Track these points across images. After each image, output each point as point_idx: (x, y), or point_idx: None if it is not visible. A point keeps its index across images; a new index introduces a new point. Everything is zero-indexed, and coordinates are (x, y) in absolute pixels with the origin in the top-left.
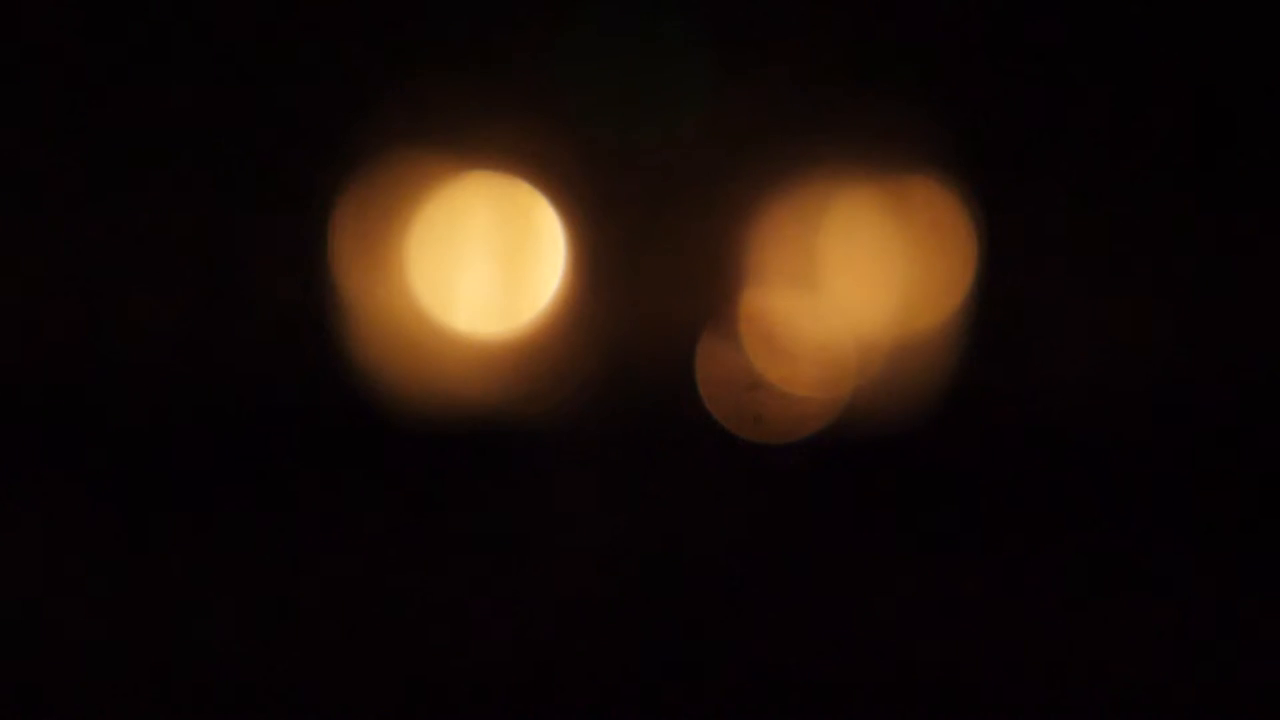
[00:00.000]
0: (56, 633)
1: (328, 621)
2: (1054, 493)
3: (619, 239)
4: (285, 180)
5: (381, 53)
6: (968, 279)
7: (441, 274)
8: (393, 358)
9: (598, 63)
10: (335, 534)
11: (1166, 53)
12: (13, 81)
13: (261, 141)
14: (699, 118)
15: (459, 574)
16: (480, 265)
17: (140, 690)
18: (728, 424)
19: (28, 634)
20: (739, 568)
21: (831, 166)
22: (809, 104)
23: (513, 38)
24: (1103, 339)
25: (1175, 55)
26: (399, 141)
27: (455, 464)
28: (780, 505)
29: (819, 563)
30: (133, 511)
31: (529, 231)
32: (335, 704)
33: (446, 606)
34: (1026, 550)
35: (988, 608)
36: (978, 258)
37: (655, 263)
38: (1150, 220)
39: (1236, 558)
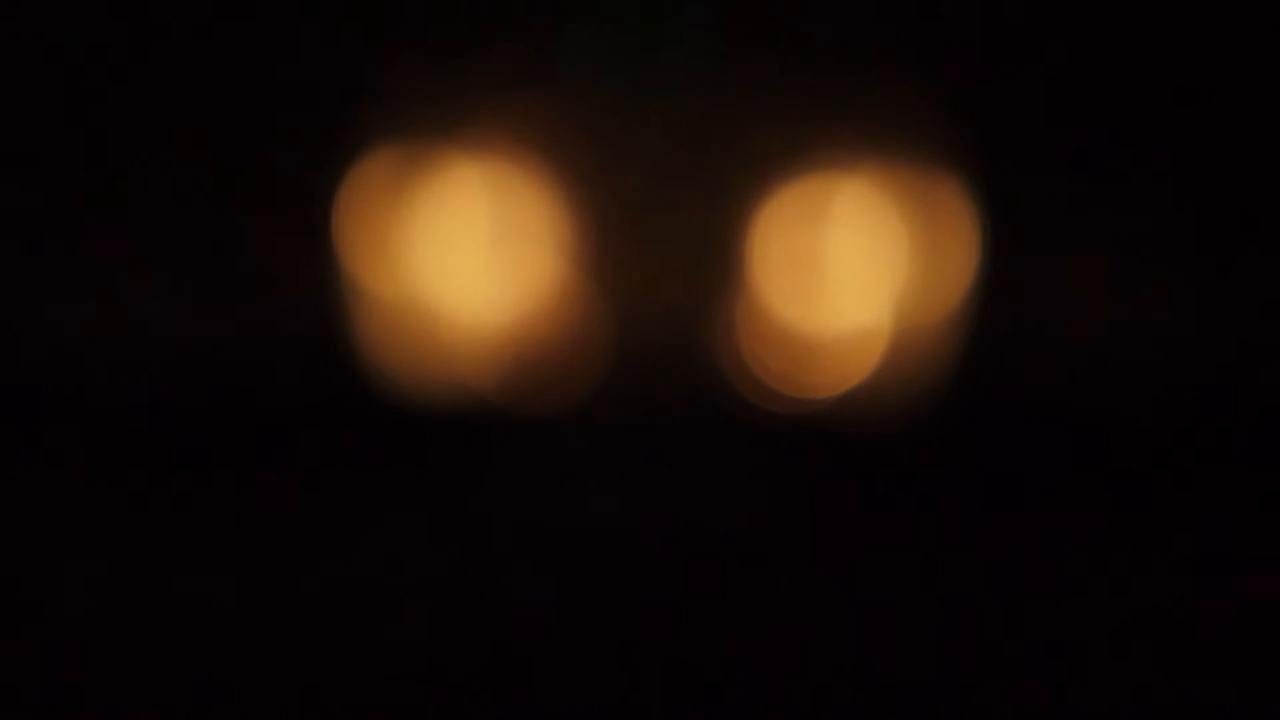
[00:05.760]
0: (62, 625)
1: (330, 610)
2: (1055, 486)
3: (622, 226)
4: (288, 168)
5: (382, 38)
6: (970, 271)
7: (444, 261)
8: (395, 345)
9: (602, 49)
10: (337, 523)
11: (1169, 48)
12: (12, 78)
13: (263, 128)
14: (703, 105)
15: (460, 563)
16: (483, 252)
17: (148, 679)
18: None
19: (32, 628)
20: (742, 557)
21: (835, 156)
22: (814, 92)
23: (516, 22)
24: (1104, 333)
25: (1177, 51)
26: (402, 127)
27: (458, 452)
28: (781, 496)
29: (821, 555)
30: (133, 500)
31: (532, 218)
32: (335, 693)
33: (447, 597)
34: (1026, 546)
35: (987, 604)
36: (980, 250)
37: (658, 250)
38: (1152, 214)
39: (1237, 560)
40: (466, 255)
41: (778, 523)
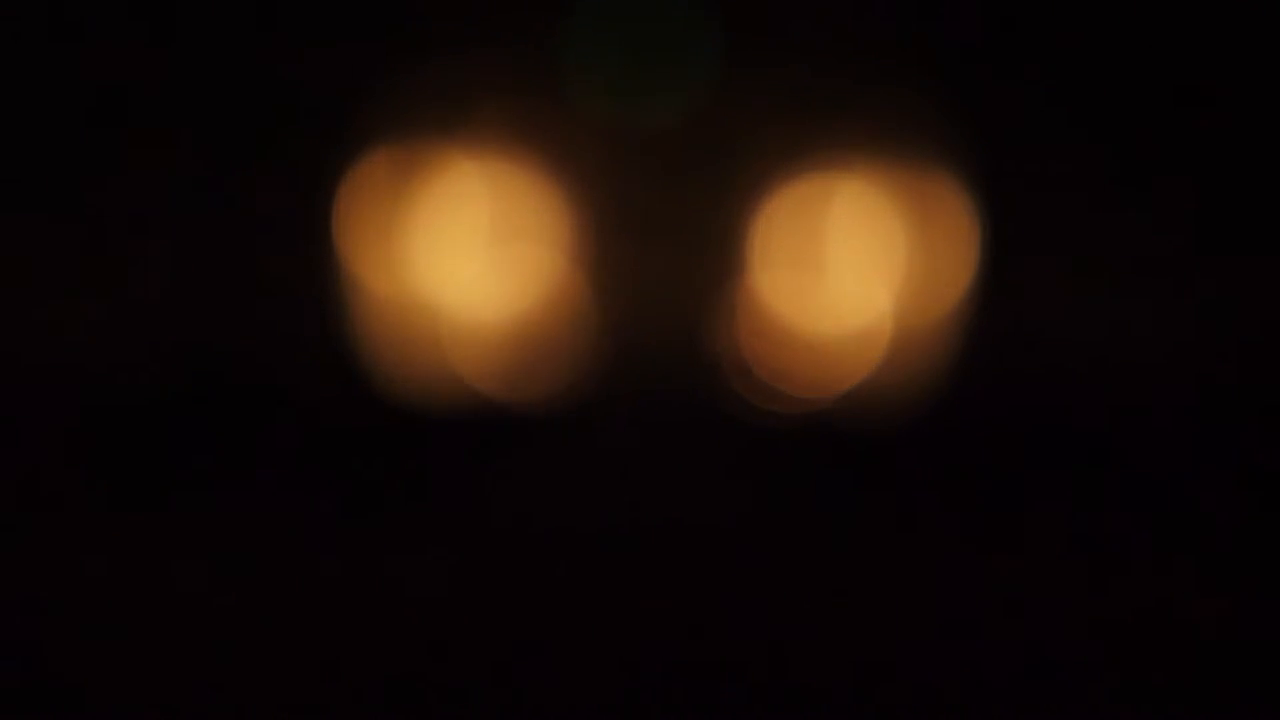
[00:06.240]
0: (61, 625)
1: (329, 609)
2: (1054, 485)
3: (622, 226)
4: (288, 167)
5: (382, 38)
6: (970, 271)
7: (444, 260)
8: (396, 344)
9: (603, 47)
10: (337, 522)
11: (1168, 49)
12: (14, 77)
13: (263, 128)
14: (704, 103)
15: (459, 561)
16: (483, 251)
17: (146, 680)
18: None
19: (28, 626)
20: (742, 557)
21: (835, 156)
22: (814, 91)
23: (516, 22)
24: (1104, 333)
25: (1177, 51)
26: (402, 126)
27: (458, 450)
28: (781, 496)
29: (820, 554)
30: (131, 499)
31: (532, 217)
32: (335, 693)
33: (446, 596)
34: (1026, 546)
35: (987, 604)
36: (980, 250)
37: (658, 250)
38: (1152, 215)
39: (1237, 559)
40: (467, 254)
41: (777, 522)
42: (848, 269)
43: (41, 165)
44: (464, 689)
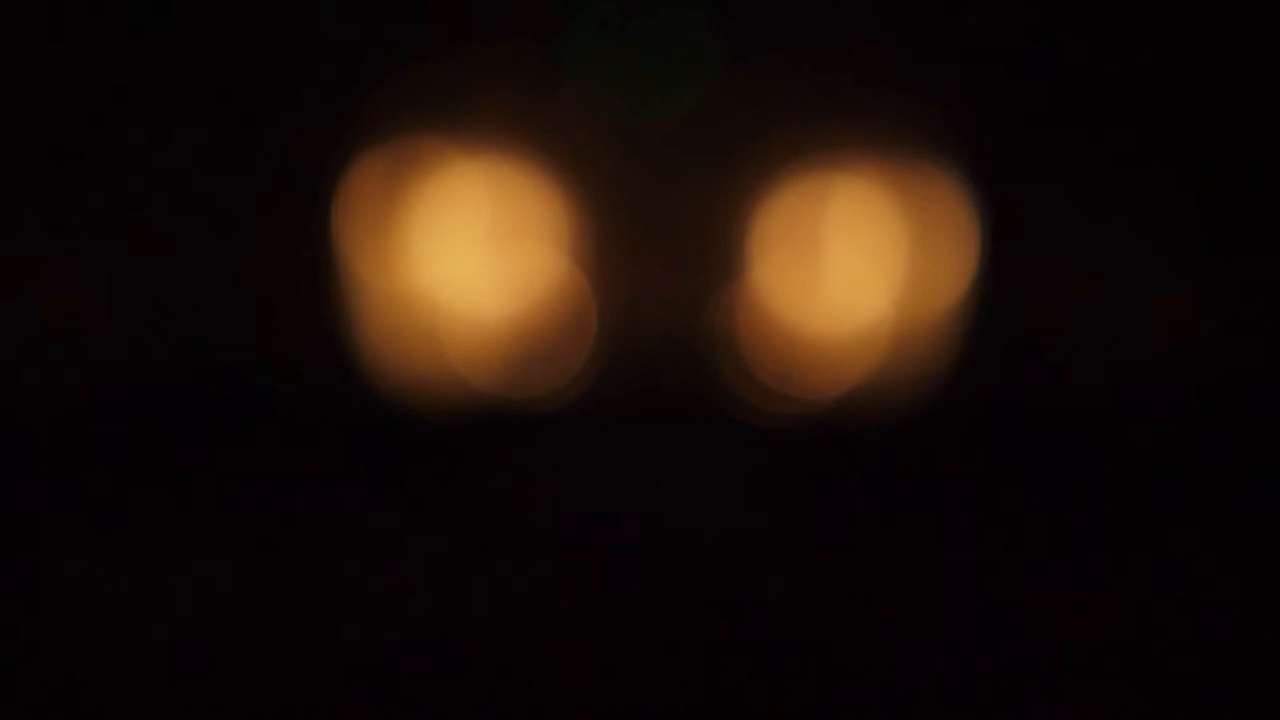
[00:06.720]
0: (56, 623)
1: (328, 609)
2: (1054, 485)
3: (622, 225)
4: (288, 166)
5: (384, 35)
6: (969, 271)
7: (444, 258)
8: (395, 343)
9: (604, 46)
10: (335, 522)
11: (1168, 49)
12: (15, 77)
13: (264, 127)
14: (703, 103)
15: (458, 561)
16: (483, 250)
17: (144, 681)
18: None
19: (28, 626)
20: (742, 557)
21: (835, 156)
22: (814, 91)
23: (518, 19)
24: (1104, 333)
25: (1177, 51)
26: (404, 125)
27: (457, 449)
28: (781, 496)
29: (820, 554)
30: (130, 499)
31: (532, 217)
32: (334, 693)
33: (445, 595)
34: (1026, 546)
35: (987, 603)
36: (980, 250)
37: (658, 249)
38: (1151, 215)
39: (1237, 559)
40: (466, 253)
41: (777, 523)
42: (848, 269)
43: (41, 163)
44: (463, 688)
